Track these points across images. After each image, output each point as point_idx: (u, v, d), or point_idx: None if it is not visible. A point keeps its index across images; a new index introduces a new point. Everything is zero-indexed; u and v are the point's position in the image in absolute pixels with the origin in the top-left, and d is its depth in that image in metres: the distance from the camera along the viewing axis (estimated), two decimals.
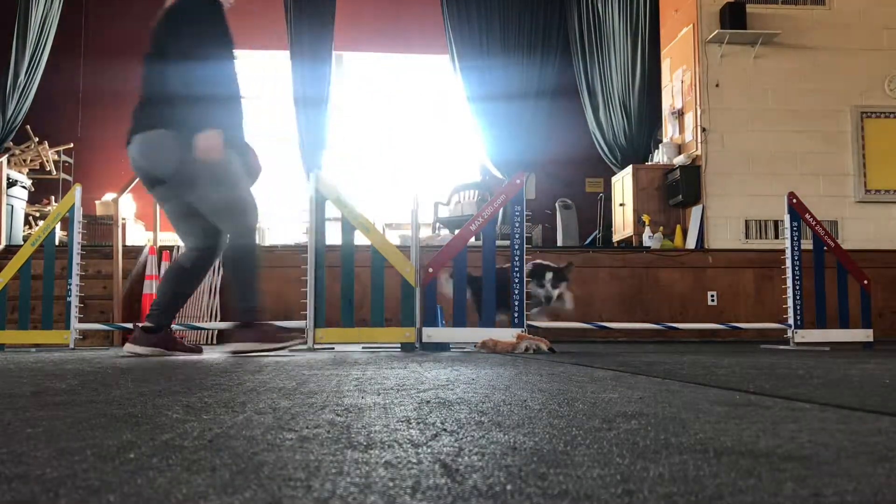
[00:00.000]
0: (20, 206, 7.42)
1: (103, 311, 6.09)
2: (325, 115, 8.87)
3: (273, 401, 1.50)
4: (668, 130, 7.81)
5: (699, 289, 6.71)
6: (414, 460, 0.85)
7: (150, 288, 6.28)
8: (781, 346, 5.14)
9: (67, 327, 4.91)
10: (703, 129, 7.07)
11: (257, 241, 3.93)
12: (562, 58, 9.34)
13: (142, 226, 8.53)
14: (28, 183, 7.74)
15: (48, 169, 8.28)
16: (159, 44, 3.62)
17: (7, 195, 7.13)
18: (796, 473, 0.77)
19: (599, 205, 8.71)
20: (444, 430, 1.09)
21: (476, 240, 4.52)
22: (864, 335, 5.20)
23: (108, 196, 8.30)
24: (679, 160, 7.32)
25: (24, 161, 8.15)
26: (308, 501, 0.65)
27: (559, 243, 8.28)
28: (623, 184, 7.84)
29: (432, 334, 4.17)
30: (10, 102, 7.90)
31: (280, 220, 9.64)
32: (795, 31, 7.18)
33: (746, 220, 7.01)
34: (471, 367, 2.66)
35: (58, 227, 5.25)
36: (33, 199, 8.04)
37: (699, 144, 7.09)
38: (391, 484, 0.72)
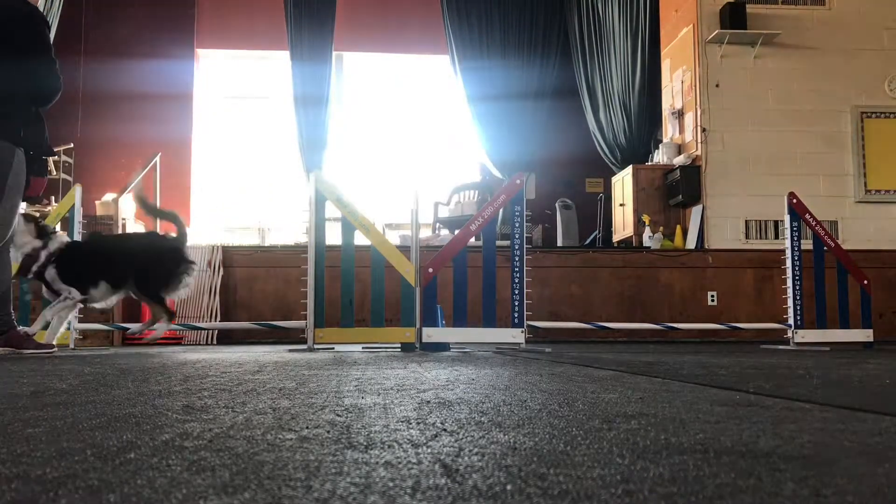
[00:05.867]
0: (20, 207, 7.41)
1: (103, 311, 6.09)
2: (325, 115, 8.87)
3: (273, 401, 1.50)
4: (668, 130, 7.81)
5: (699, 289, 6.71)
6: (414, 460, 0.85)
7: None
8: (781, 346, 5.14)
9: (67, 327, 4.90)
10: (703, 129, 7.07)
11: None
12: (562, 58, 9.34)
13: (142, 226, 8.52)
14: None
15: (48, 169, 8.28)
16: None
17: None
18: (796, 473, 0.77)
19: (599, 205, 8.71)
20: (444, 430, 1.09)
21: (476, 240, 4.52)
22: (864, 335, 5.20)
23: (108, 196, 8.30)
24: (679, 160, 7.31)
25: None
26: (308, 501, 0.65)
27: (559, 243, 8.28)
28: (623, 184, 7.83)
29: (432, 334, 4.17)
30: None
31: (280, 220, 9.65)
32: (795, 31, 7.18)
33: (746, 220, 7.01)
34: (471, 367, 2.66)
35: (58, 227, 5.25)
36: (33, 199, 8.04)
37: (699, 144, 7.09)
38: (391, 484, 0.72)
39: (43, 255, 4.19)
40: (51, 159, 8.27)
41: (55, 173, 8.42)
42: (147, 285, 4.25)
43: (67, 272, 4.20)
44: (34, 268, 4.20)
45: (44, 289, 4.29)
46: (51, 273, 4.17)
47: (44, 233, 4.31)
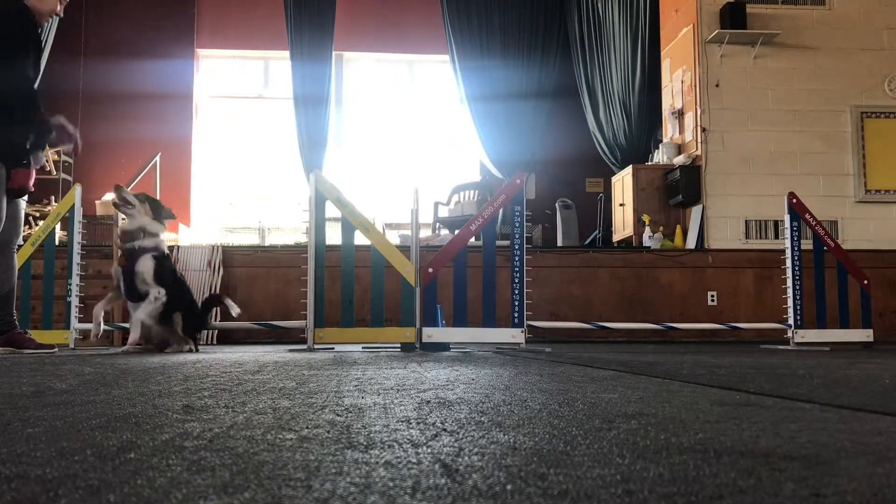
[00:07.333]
0: (20, 207, 7.41)
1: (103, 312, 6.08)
2: (325, 115, 8.87)
3: (273, 401, 1.50)
4: (668, 130, 7.81)
5: (699, 289, 6.71)
6: (414, 460, 0.85)
7: None
8: (781, 346, 5.14)
9: (67, 327, 4.91)
10: (703, 129, 7.07)
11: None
12: (562, 58, 9.34)
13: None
14: None
15: (48, 169, 8.29)
16: None
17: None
18: (796, 473, 0.77)
19: (599, 205, 8.71)
20: (444, 430, 1.09)
21: (476, 240, 4.52)
22: (864, 335, 5.21)
23: (108, 196, 8.30)
24: (679, 160, 7.31)
25: None
26: (308, 501, 0.65)
27: (559, 243, 8.28)
28: (623, 184, 7.83)
29: (432, 334, 4.17)
30: None
31: (280, 220, 9.65)
32: (795, 31, 7.18)
33: (746, 220, 7.01)
34: (471, 367, 2.66)
35: (58, 227, 5.25)
36: (33, 199, 8.04)
37: (699, 144, 7.08)
38: (391, 484, 0.72)
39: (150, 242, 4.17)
40: (51, 158, 8.27)
41: (55, 173, 8.43)
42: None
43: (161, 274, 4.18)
44: (136, 244, 4.15)
45: (120, 282, 4.21)
46: (147, 264, 4.14)
47: (159, 215, 4.33)
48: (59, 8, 3.99)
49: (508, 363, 2.92)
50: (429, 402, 1.47)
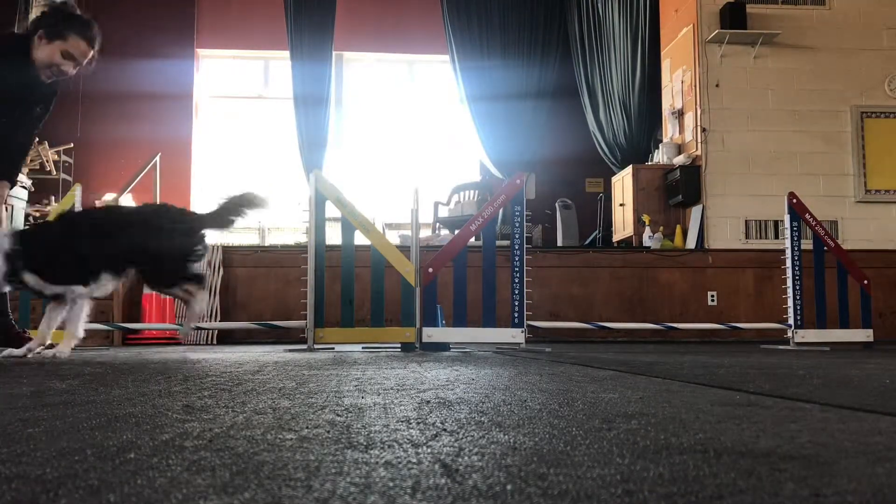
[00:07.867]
0: (20, 206, 7.41)
1: (103, 311, 6.09)
2: (326, 115, 8.87)
3: (273, 401, 1.50)
4: (668, 130, 7.81)
5: (699, 289, 6.71)
6: (414, 460, 0.85)
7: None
8: (781, 346, 5.14)
9: None
10: (703, 129, 7.06)
11: None
12: (562, 58, 9.34)
13: None
14: (28, 183, 7.73)
15: (48, 169, 8.29)
16: None
17: (7, 195, 7.09)
18: (796, 473, 0.77)
19: (599, 205, 8.71)
20: (444, 430, 1.09)
21: (476, 240, 4.52)
22: (864, 335, 5.21)
23: (108, 196, 8.31)
24: (679, 160, 7.31)
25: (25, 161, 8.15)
26: (308, 501, 0.65)
27: (559, 243, 8.28)
28: (623, 184, 7.83)
29: (432, 334, 4.17)
30: None
31: (280, 220, 9.64)
32: (795, 31, 7.18)
33: (746, 220, 7.01)
34: (471, 367, 2.66)
35: None
36: (33, 199, 8.04)
37: (699, 144, 7.08)
38: (391, 484, 0.72)
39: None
40: (51, 158, 8.27)
41: (55, 173, 8.43)
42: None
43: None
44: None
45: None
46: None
47: None
48: (65, 65, 3.72)
49: (508, 363, 2.92)
50: (429, 402, 1.47)
